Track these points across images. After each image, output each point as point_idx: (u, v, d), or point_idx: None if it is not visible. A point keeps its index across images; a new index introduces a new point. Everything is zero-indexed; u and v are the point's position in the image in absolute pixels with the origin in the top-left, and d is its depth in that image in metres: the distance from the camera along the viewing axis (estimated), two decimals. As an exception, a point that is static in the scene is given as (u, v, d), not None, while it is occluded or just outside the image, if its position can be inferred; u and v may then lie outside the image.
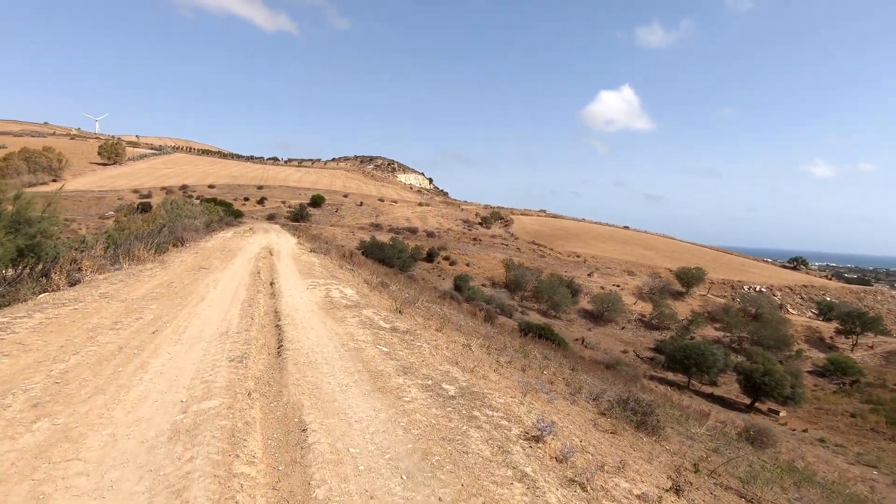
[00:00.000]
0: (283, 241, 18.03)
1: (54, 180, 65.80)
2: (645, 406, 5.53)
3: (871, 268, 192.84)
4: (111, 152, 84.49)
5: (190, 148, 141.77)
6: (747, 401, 30.57)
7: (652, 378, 31.19)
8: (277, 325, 6.49)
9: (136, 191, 62.29)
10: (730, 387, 33.49)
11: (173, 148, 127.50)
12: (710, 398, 30.32)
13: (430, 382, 4.89)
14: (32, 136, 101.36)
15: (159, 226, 10.72)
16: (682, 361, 30.88)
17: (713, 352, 30.45)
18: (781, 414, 28.95)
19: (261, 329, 6.16)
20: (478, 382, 5.05)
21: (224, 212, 29.76)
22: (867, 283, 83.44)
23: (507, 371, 5.79)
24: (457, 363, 5.50)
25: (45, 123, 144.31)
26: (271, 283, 9.20)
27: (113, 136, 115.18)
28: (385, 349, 5.74)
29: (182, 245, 12.13)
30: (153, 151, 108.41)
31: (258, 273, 9.68)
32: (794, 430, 25.86)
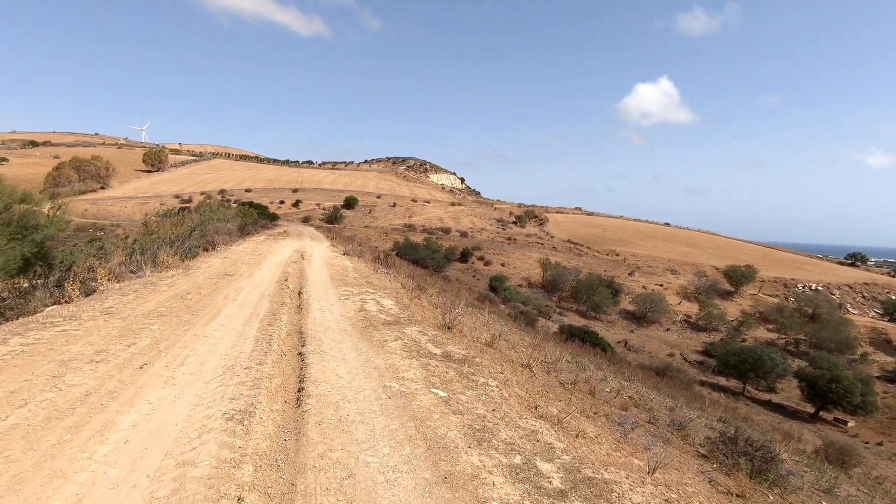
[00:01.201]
0: (315, 244, 17.52)
1: (102, 187, 68.64)
2: (763, 450, 4.42)
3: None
4: (155, 160, 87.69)
5: (229, 154, 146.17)
6: (809, 409, 28.30)
7: (703, 384, 29.32)
8: (300, 354, 5.28)
9: (177, 196, 64.13)
10: (789, 393, 31.15)
11: (213, 154, 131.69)
12: (769, 406, 28.21)
13: (518, 461, 3.34)
14: (84, 147, 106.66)
15: (188, 230, 10.31)
16: (737, 366, 28.85)
17: (771, 356, 28.30)
18: (849, 424, 26.60)
19: (278, 360, 4.96)
20: (581, 451, 3.72)
21: (258, 214, 29.81)
22: (936, 280, 77.23)
23: (574, 400, 4.77)
24: (536, 408, 4.24)
25: (96, 134, 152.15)
26: (299, 293, 8.27)
27: (157, 145, 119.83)
28: (442, 393, 4.45)
29: (213, 249, 11.73)
30: (194, 158, 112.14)
31: (286, 280, 8.78)
32: (868, 442, 23.61)
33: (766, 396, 29.47)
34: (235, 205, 43.36)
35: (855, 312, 53.40)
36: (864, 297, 58.18)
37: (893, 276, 70.81)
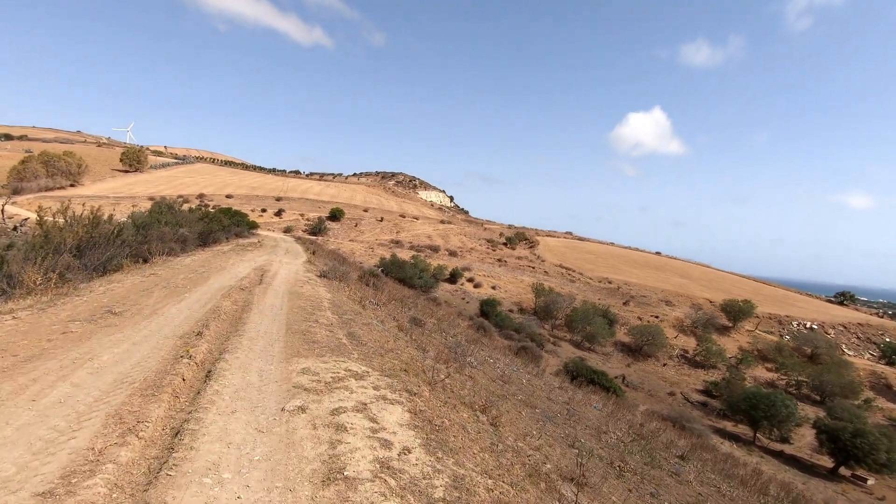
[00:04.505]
0: (288, 260, 14.55)
1: (72, 185, 64.69)
2: None
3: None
4: (133, 160, 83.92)
5: (213, 159, 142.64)
6: (824, 461, 26.01)
7: (712, 430, 26.84)
8: None
9: (152, 198, 60.57)
10: (799, 442, 28.89)
11: (196, 158, 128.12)
12: (782, 457, 25.83)
13: None
14: (62, 143, 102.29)
15: (110, 234, 7.55)
16: (748, 412, 26.51)
17: (786, 402, 26.03)
18: (870, 482, 24.32)
19: None
20: None
21: (233, 222, 26.85)
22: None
23: None
24: None
25: (78, 132, 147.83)
26: (207, 375, 4.22)
27: (136, 145, 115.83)
28: None
29: (148, 260, 8.98)
30: (176, 161, 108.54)
31: (200, 334, 4.75)
32: (898, 508, 21.30)
33: (779, 447, 27.11)
34: (213, 210, 40.21)
35: (851, 354, 51.94)
36: (858, 338, 56.96)
37: (882, 317, 70.21)
